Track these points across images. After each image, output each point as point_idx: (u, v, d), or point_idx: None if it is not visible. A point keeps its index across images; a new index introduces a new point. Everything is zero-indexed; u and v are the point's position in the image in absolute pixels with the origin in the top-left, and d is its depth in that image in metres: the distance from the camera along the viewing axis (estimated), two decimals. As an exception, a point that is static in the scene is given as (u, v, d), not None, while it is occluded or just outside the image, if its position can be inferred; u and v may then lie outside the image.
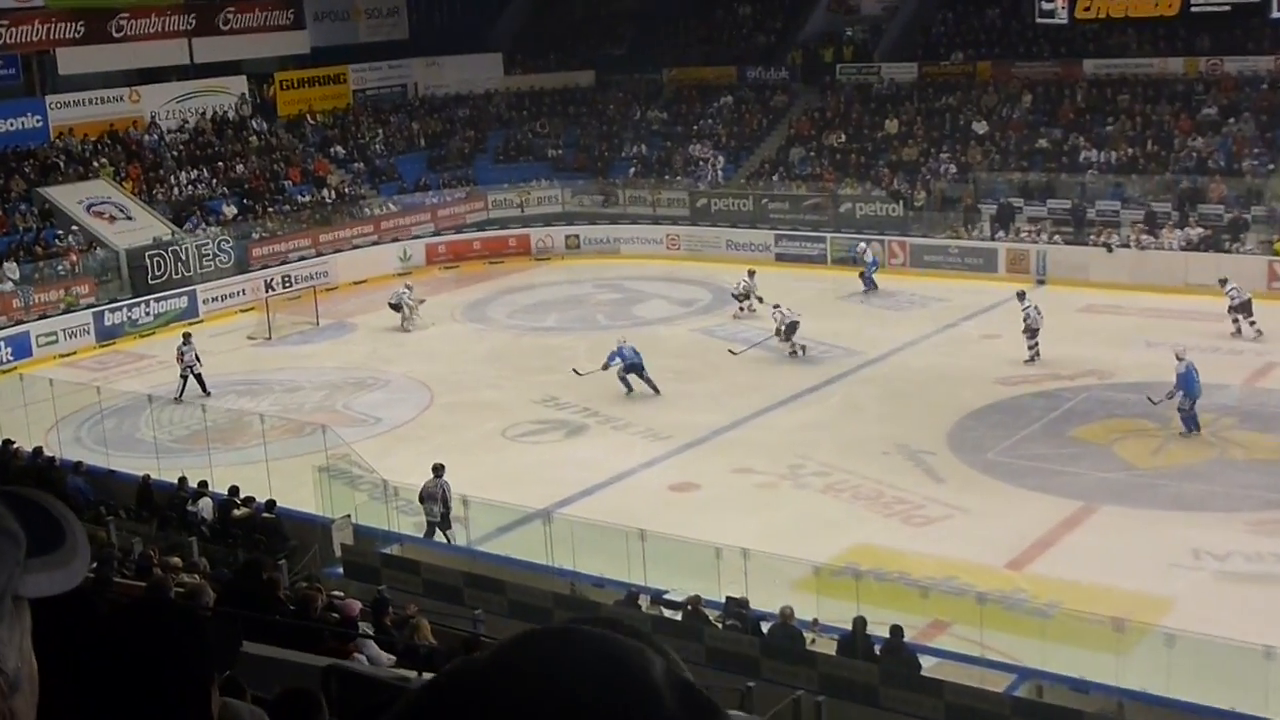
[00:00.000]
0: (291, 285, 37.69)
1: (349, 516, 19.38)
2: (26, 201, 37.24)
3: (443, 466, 20.07)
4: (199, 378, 28.81)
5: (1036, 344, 27.92)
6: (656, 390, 26.83)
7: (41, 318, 33.64)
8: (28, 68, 41.00)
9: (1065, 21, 38.65)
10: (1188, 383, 23.34)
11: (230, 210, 39.51)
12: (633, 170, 44.36)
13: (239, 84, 44.79)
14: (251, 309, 35.85)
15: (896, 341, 30.17)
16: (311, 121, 45.70)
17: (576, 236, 41.65)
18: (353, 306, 36.34)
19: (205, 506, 19.76)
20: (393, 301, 33.84)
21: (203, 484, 20.28)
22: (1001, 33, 44.03)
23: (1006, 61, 42.62)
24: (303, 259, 39.04)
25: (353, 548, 18.46)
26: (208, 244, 37.28)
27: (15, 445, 22.17)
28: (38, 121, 40.07)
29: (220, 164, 41.71)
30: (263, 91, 45.58)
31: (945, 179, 39.35)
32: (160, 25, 42.79)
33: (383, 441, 25.00)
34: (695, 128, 45.65)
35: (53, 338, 33.39)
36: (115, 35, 41.53)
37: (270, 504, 19.17)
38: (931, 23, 45.86)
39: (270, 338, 33.83)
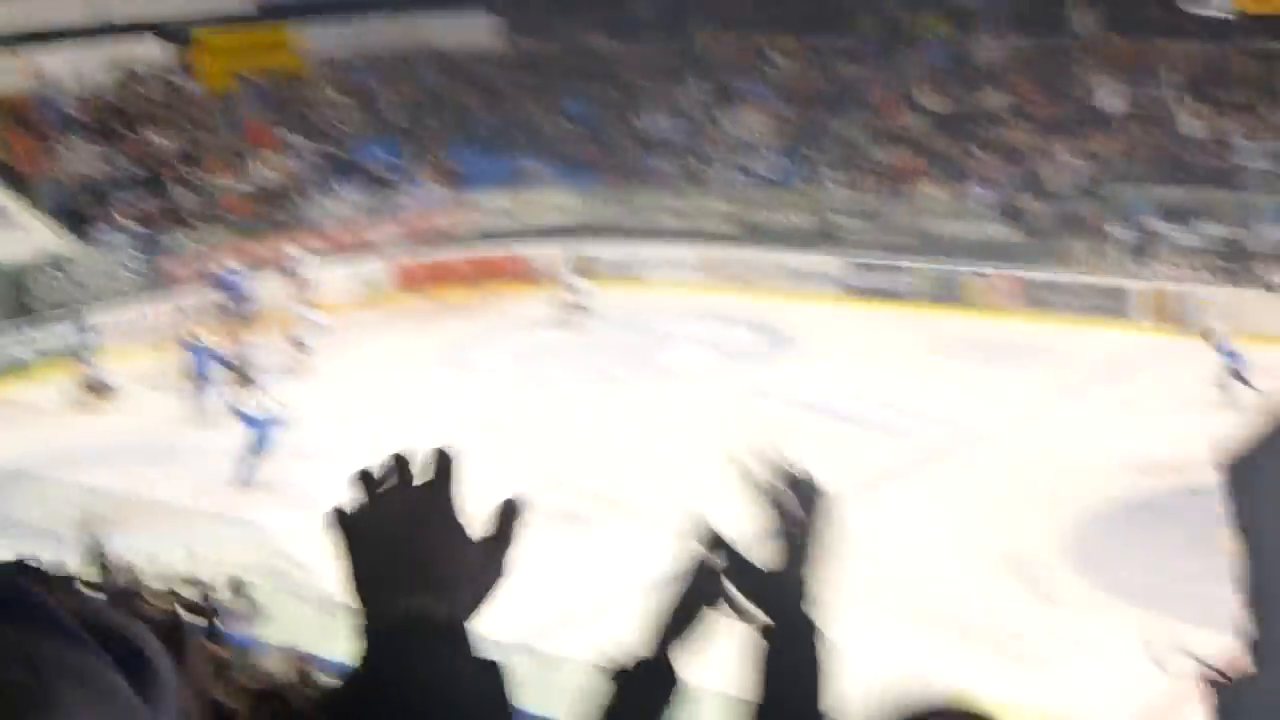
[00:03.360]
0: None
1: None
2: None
3: None
4: None
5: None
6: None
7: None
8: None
9: (1225, 14, 39.01)
10: None
11: (129, 213, 39.57)
12: (662, 163, 44.50)
13: (151, 50, 45.17)
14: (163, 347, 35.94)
15: (1003, 412, 30.21)
16: (250, 80, 46.08)
17: (592, 259, 41.37)
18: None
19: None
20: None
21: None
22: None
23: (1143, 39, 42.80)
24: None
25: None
26: (107, 257, 37.74)
27: None
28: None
29: (130, 136, 42.03)
30: (181, 58, 45.87)
31: (1066, 182, 39.47)
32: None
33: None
34: (742, 103, 45.82)
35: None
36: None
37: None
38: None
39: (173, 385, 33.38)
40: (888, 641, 21.02)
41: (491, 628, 1.91)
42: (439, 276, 41.79)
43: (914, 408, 30.39)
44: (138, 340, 36.38)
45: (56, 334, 35.95)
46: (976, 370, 33.21)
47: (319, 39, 48.01)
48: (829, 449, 28.03)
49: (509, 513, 2.00)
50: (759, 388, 32.28)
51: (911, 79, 44.50)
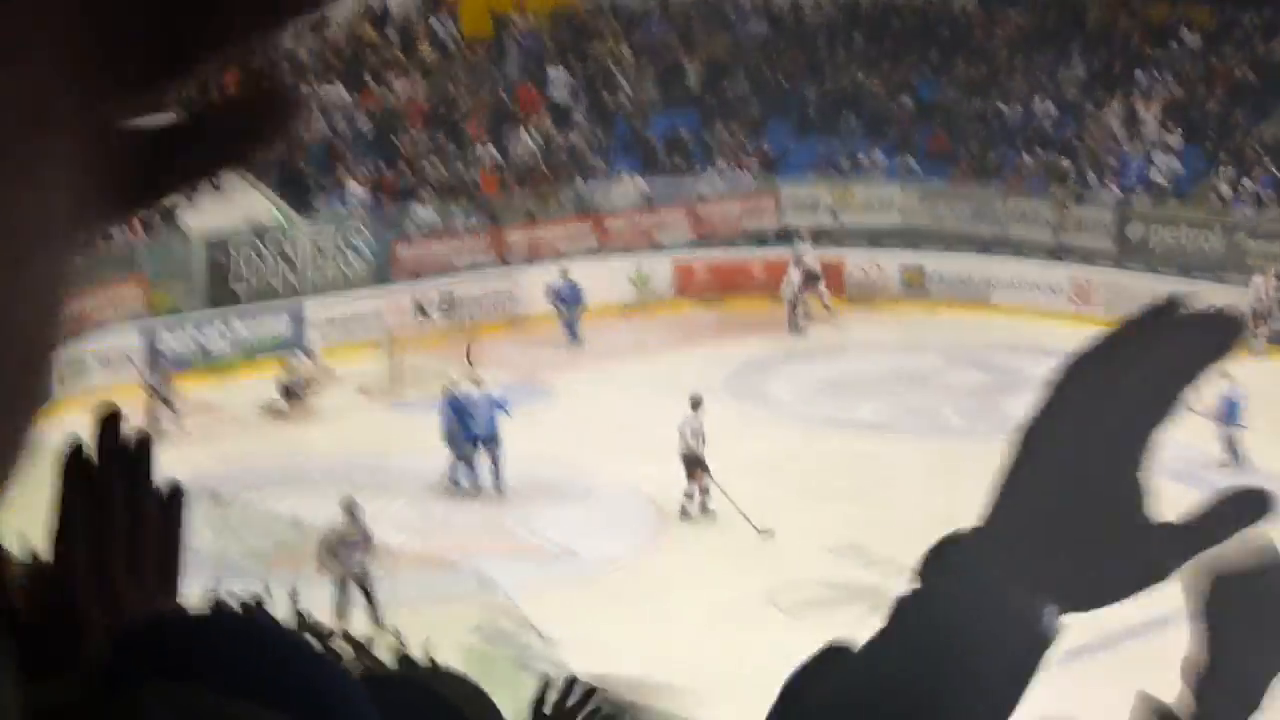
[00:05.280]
0: (454, 311, 38.33)
1: (507, 727, 18.92)
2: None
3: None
4: None
5: None
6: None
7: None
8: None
9: None
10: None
11: (358, 186, 40.05)
12: (1028, 157, 43.74)
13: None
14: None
15: None
16: (518, 24, 46.65)
17: (920, 269, 41.20)
18: (550, 355, 36.67)
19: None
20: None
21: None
22: None
23: None
24: (475, 267, 39.68)
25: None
26: (328, 234, 38.22)
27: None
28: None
29: (370, 87, 42.81)
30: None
31: None
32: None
33: (573, 592, 24.58)
34: (1134, 85, 45.02)
35: (80, 366, 34.23)
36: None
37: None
38: None
39: (391, 394, 33.98)
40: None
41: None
42: (732, 282, 41.57)
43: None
44: (358, 339, 36.71)
45: (262, 326, 36.57)
46: None
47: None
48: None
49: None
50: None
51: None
